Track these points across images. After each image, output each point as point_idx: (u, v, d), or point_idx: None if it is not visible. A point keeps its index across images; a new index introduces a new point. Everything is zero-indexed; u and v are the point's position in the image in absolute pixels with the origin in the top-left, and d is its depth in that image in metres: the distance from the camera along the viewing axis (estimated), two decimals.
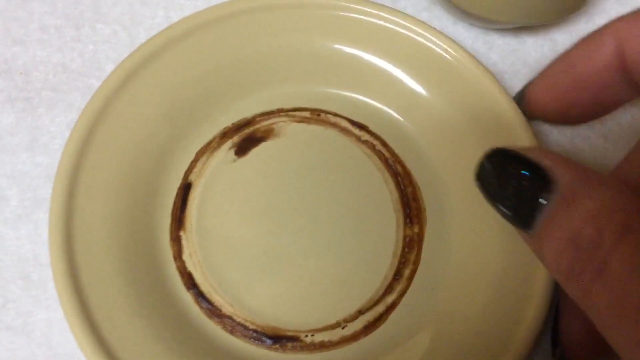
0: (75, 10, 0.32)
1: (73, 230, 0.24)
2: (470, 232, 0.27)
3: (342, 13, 0.29)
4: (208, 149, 0.28)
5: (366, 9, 0.29)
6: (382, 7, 0.29)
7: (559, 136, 0.30)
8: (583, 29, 0.33)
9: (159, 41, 0.27)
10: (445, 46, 0.28)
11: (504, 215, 0.20)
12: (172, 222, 0.27)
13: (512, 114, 0.27)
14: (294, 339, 0.26)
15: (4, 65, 0.30)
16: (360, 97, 0.30)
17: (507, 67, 0.32)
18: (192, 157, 0.28)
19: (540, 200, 0.18)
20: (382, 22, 0.29)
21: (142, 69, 0.27)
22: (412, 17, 0.28)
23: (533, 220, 0.19)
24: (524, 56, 0.32)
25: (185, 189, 0.28)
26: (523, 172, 0.19)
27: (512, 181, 0.20)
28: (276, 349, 0.26)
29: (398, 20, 0.28)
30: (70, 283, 0.23)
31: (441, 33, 0.28)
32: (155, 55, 0.27)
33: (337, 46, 0.29)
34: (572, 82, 0.24)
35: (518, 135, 0.26)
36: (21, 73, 0.30)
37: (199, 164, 0.28)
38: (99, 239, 0.25)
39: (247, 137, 0.29)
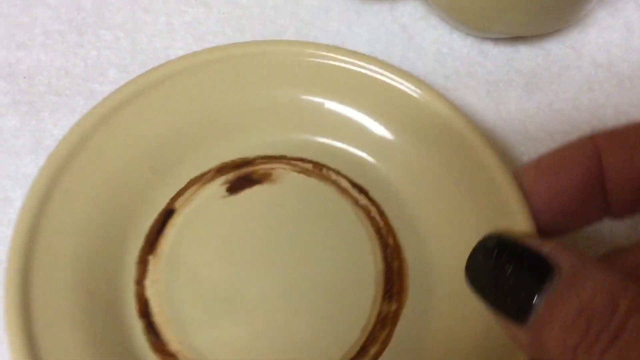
0: (78, 16, 0.32)
1: (37, 237, 0.24)
2: (452, 318, 0.25)
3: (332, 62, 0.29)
4: (201, 180, 0.28)
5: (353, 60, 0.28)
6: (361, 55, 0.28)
7: None
8: (577, 39, 0.33)
9: (159, 74, 0.27)
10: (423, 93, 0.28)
11: (498, 308, 0.19)
12: (144, 244, 0.26)
13: (490, 159, 0.26)
14: None
15: (7, 69, 0.31)
16: (364, 157, 0.28)
17: (501, 75, 0.32)
18: (182, 184, 0.27)
19: (540, 287, 0.18)
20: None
21: (141, 97, 0.27)
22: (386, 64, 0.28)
23: (531, 308, 0.18)
24: (519, 65, 0.32)
25: (167, 214, 0.27)
26: (519, 261, 0.19)
27: (508, 269, 0.19)
28: None
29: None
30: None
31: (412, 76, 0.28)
32: (159, 83, 0.27)
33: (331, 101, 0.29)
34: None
35: (498, 181, 0.25)
36: (25, 77, 0.30)
37: (187, 193, 0.27)
38: (62, 250, 0.24)
39: (243, 176, 0.28)
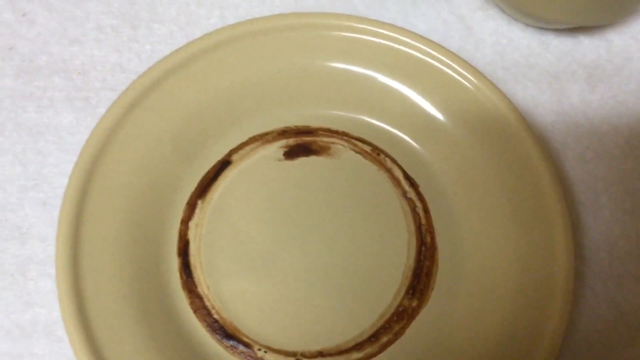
0: (131, 10, 0.32)
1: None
2: (472, 324, 0.25)
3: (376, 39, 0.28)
4: (262, 139, 0.29)
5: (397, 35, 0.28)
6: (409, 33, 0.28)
7: None
8: (639, 31, 0.32)
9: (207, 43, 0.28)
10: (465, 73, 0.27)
11: None
12: (196, 188, 0.28)
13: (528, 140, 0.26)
14: (247, 346, 0.25)
15: (62, 65, 0.31)
16: (418, 148, 0.29)
17: (563, 67, 0.31)
18: (244, 139, 0.29)
19: None
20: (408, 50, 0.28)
21: (201, 59, 0.28)
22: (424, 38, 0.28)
23: None
24: (580, 57, 0.32)
25: (223, 165, 0.28)
26: None
27: None
28: (226, 348, 0.25)
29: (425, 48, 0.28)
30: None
31: (458, 57, 0.28)
32: (221, 44, 0.28)
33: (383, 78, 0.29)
34: None
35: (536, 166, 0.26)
36: (79, 73, 0.30)
37: (247, 148, 0.28)
38: (118, 184, 0.26)
39: (303, 144, 0.29)
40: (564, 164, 0.29)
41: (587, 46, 0.32)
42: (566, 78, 0.31)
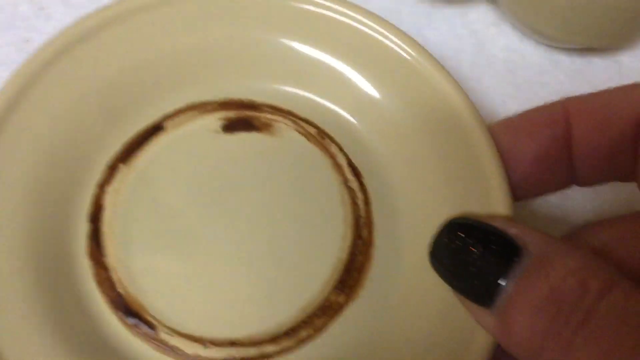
0: None
1: None
2: (402, 323, 0.23)
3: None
4: (201, 108, 0.26)
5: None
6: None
7: None
8: None
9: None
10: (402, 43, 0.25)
11: (464, 290, 0.19)
12: (121, 151, 0.25)
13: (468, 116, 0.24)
14: (151, 326, 0.23)
15: None
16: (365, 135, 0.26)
17: (574, 87, 0.31)
18: (182, 106, 0.26)
19: (508, 268, 0.18)
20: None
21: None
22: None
23: (499, 291, 0.18)
24: (591, 77, 0.32)
25: (154, 130, 0.26)
26: (486, 243, 0.19)
27: (475, 251, 0.19)
28: (128, 327, 0.23)
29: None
30: None
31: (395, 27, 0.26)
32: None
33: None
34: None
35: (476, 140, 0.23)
36: None
37: (183, 116, 0.26)
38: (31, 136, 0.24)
39: (244, 118, 0.27)
40: None
41: (599, 67, 0.32)
42: None
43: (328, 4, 0.26)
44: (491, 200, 0.23)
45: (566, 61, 0.32)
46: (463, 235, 0.19)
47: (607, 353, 0.16)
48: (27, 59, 0.24)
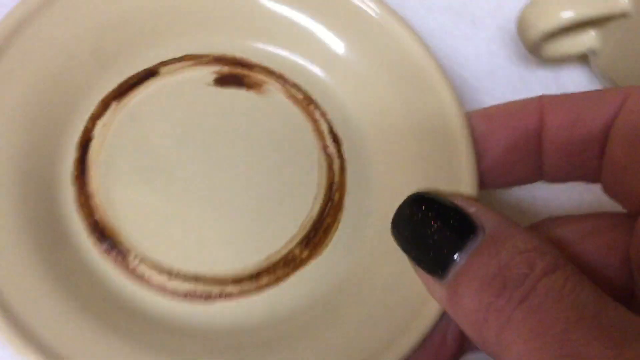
0: None
1: None
2: (357, 283, 0.25)
3: None
4: (197, 59, 0.28)
5: None
6: None
7: None
8: None
9: None
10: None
11: (419, 259, 0.20)
12: (114, 89, 0.27)
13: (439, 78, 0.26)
14: (121, 253, 0.24)
15: None
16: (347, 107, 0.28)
17: None
18: (180, 55, 0.28)
19: (463, 244, 0.19)
20: None
21: None
22: None
23: (451, 264, 0.19)
24: None
25: (149, 74, 0.27)
26: (445, 218, 0.20)
27: (434, 224, 0.20)
28: (100, 250, 0.24)
29: None
30: None
31: None
32: None
33: None
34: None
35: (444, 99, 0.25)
36: None
37: (178, 64, 0.28)
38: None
39: (236, 75, 0.28)
40: None
41: None
42: None
43: None
44: (459, 176, 0.24)
45: None
46: (424, 209, 0.20)
47: (540, 329, 0.17)
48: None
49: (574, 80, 0.33)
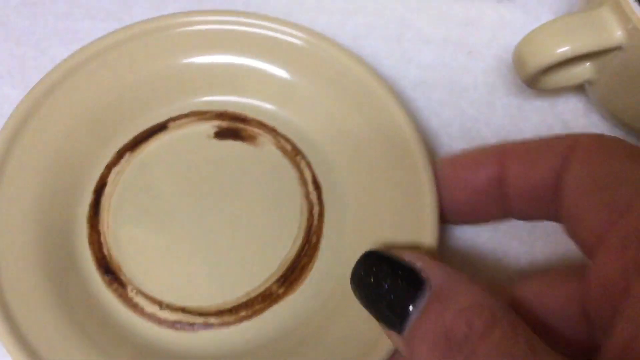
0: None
1: None
2: (326, 317, 0.28)
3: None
4: (201, 115, 0.32)
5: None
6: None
7: None
8: None
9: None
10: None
11: (377, 317, 0.22)
12: (129, 142, 0.31)
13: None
14: (122, 284, 0.28)
15: None
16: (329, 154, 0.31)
17: None
18: (187, 111, 0.32)
19: (413, 300, 0.20)
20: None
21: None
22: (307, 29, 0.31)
23: (406, 320, 0.21)
24: None
25: (160, 128, 0.31)
26: (395, 276, 0.21)
27: (385, 283, 0.21)
28: (105, 282, 0.28)
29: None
30: None
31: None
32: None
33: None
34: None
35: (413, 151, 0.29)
36: None
37: (185, 119, 0.32)
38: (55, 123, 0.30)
39: (234, 129, 0.32)
40: None
41: None
42: None
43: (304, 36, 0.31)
44: (423, 222, 0.27)
45: None
46: (375, 270, 0.22)
47: None
48: (58, 65, 0.30)
49: (570, 110, 0.34)
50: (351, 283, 0.23)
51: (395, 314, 0.21)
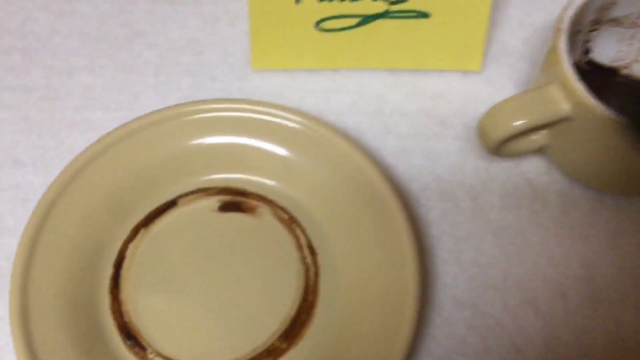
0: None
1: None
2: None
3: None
4: (206, 191, 0.36)
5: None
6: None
7: None
8: None
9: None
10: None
11: None
12: (143, 219, 0.35)
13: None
14: (142, 347, 0.32)
15: None
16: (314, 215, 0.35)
17: (621, 225, 0.36)
18: (192, 189, 0.36)
19: None
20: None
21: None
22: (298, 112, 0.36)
23: None
24: (636, 217, 0.36)
25: (170, 205, 0.36)
26: None
27: None
28: (127, 345, 0.32)
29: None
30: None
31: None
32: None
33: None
34: None
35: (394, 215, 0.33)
36: None
37: (192, 196, 0.36)
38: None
39: (236, 202, 0.36)
40: None
41: None
42: (625, 234, 0.36)
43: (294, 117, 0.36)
44: (406, 283, 0.31)
45: (609, 201, 0.36)
46: None
47: None
48: (78, 155, 0.35)
49: (534, 169, 0.37)
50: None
51: None
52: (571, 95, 0.31)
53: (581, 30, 0.35)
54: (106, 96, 0.40)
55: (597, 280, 0.35)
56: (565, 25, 0.31)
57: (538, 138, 0.35)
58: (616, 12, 0.35)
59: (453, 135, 0.39)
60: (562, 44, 0.31)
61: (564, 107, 0.31)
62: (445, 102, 0.40)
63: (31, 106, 0.40)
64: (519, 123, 0.32)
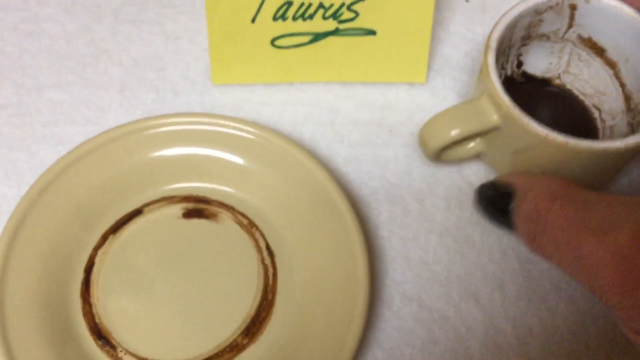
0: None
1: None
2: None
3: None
4: (170, 200, 0.38)
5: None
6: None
7: None
8: None
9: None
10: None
11: (502, 226, 0.34)
12: (111, 226, 0.37)
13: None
14: (113, 346, 0.34)
15: None
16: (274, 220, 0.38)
17: None
18: (156, 198, 0.38)
19: (510, 206, 0.32)
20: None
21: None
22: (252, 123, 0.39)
23: (510, 215, 0.32)
24: None
25: (136, 213, 0.38)
26: (498, 192, 0.33)
27: (491, 199, 0.34)
28: (98, 345, 0.34)
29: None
30: None
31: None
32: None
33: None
34: None
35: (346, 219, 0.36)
36: None
37: (156, 204, 0.38)
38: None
39: (199, 209, 0.38)
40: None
41: None
42: None
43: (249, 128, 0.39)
44: (357, 280, 0.34)
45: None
46: (485, 193, 0.35)
47: (559, 247, 0.29)
48: (48, 168, 0.37)
49: (475, 173, 0.40)
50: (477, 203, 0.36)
51: (506, 220, 0.32)
52: (498, 107, 0.34)
53: (513, 45, 0.39)
54: (74, 112, 0.42)
55: (533, 274, 0.38)
56: (493, 43, 0.34)
57: (474, 145, 0.38)
58: (543, 29, 0.38)
59: (401, 142, 0.42)
60: (491, 60, 0.34)
61: (494, 117, 0.35)
62: (393, 112, 0.43)
63: (3, 122, 0.42)
64: (454, 133, 0.35)
